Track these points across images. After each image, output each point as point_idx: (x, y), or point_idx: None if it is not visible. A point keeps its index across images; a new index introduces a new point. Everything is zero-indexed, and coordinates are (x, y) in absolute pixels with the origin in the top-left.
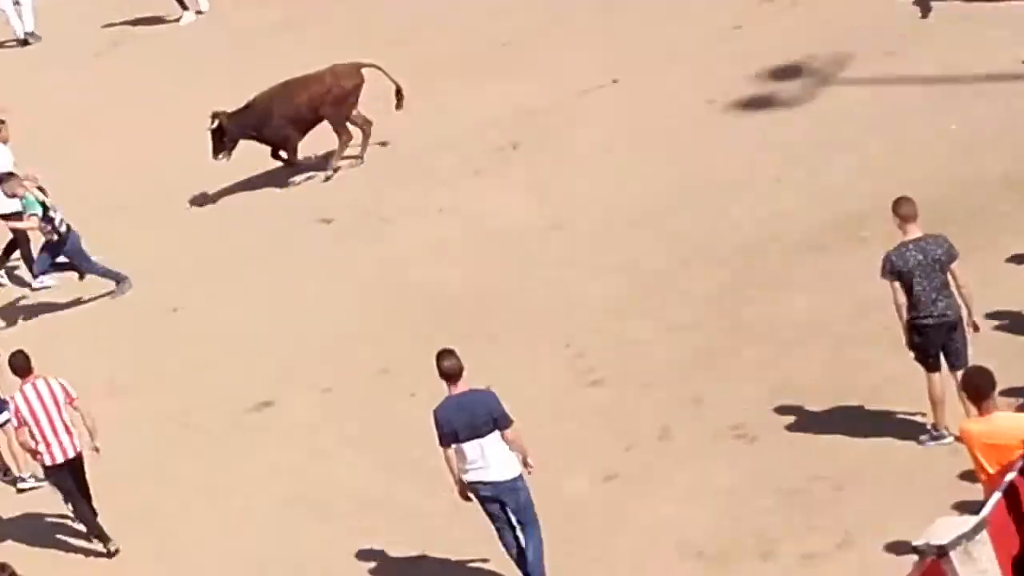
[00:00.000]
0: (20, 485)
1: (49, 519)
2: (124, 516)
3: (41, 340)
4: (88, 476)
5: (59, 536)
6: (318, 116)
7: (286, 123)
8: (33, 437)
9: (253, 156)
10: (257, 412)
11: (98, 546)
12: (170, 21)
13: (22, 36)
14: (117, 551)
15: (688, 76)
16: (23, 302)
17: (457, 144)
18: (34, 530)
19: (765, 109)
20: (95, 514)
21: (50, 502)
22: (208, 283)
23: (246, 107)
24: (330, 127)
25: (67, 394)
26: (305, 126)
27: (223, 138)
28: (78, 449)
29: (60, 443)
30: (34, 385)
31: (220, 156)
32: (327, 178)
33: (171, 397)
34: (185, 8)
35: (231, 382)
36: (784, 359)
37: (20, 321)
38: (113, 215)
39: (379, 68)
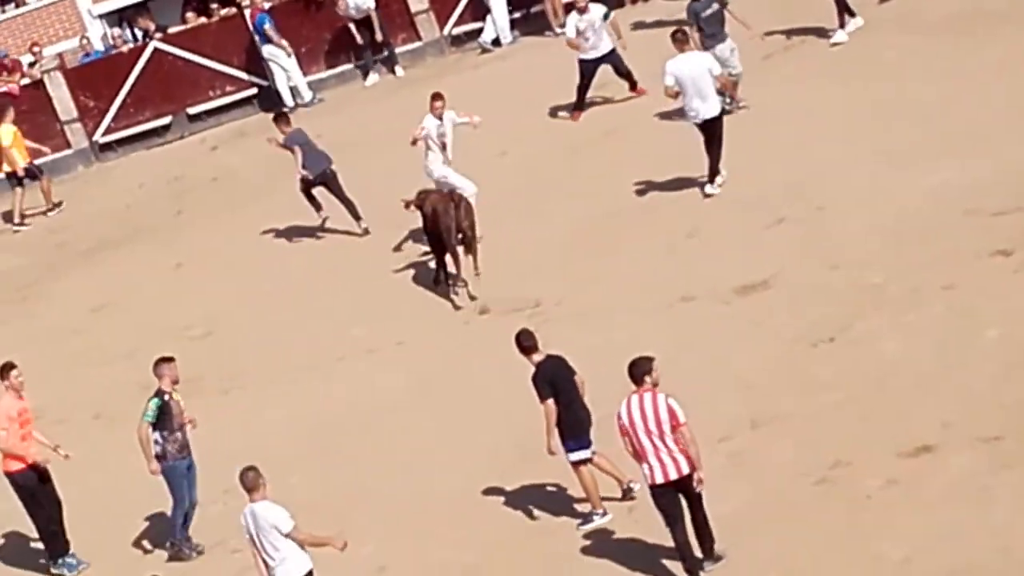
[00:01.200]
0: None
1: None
2: None
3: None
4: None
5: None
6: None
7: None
8: (635, 452)
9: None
10: (913, 458)
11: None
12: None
13: None
14: None
15: None
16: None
17: None
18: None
19: None
20: (706, 540)
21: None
22: (873, 315)
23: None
24: None
25: (673, 417)
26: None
27: None
28: (683, 472)
29: (662, 463)
30: (641, 397)
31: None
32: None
33: (819, 434)
34: (842, 26)
35: (884, 421)
36: None
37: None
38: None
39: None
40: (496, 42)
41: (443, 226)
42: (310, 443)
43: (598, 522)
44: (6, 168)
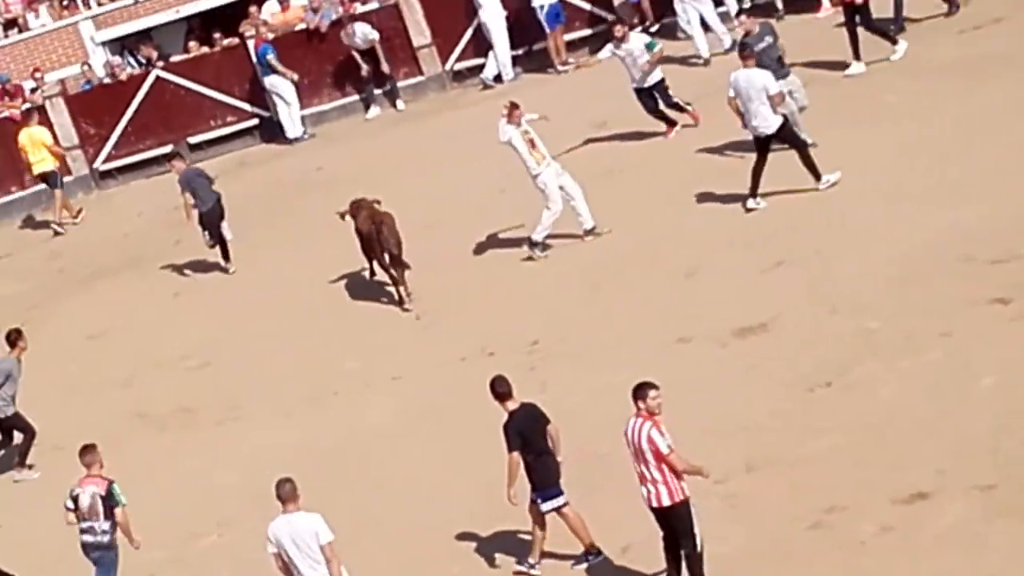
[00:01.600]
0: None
1: None
2: None
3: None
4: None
5: None
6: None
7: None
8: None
9: None
10: (908, 504)
11: None
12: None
13: (706, 56)
14: None
15: None
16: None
17: None
18: None
19: None
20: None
21: None
22: (870, 360)
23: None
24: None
25: (654, 447)
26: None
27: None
28: (663, 503)
29: (647, 489)
30: (633, 422)
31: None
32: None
33: (814, 479)
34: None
35: (880, 467)
36: None
37: None
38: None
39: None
40: (498, 78)
41: (370, 250)
42: (305, 476)
43: (594, 562)
44: (48, 167)
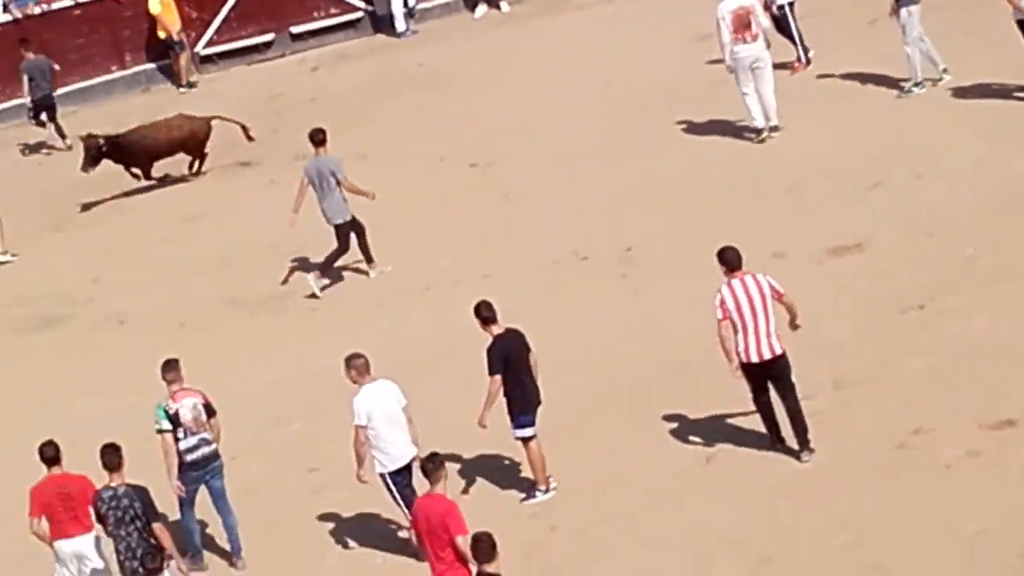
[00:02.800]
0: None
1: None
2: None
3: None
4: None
5: None
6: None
7: (148, 157)
8: (735, 331)
9: None
10: (996, 431)
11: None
12: None
13: None
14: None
15: None
16: None
17: None
18: None
19: None
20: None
21: None
22: (964, 286)
23: (117, 137)
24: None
25: (774, 290)
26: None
27: (91, 156)
28: (776, 352)
29: (759, 342)
30: (742, 280)
31: (88, 170)
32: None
33: (901, 400)
34: None
35: (968, 392)
36: None
37: None
38: None
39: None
40: None
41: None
42: (391, 368)
43: (540, 499)
44: (160, 33)
